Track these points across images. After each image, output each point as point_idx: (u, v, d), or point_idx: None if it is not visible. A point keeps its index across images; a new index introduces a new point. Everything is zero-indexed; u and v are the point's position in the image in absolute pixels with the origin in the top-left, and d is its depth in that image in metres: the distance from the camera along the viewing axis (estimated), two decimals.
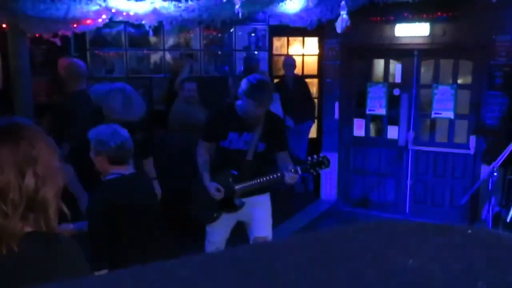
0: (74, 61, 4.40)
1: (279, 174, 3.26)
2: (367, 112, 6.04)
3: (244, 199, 3.41)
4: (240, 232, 3.64)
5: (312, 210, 6.02)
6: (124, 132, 2.62)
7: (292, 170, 3.20)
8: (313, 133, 6.81)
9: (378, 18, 5.66)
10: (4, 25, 4.40)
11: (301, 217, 5.74)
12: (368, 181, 6.19)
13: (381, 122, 6.12)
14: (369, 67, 6.18)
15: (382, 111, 5.95)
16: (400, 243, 0.42)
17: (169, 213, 4.75)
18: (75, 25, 4.41)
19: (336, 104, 6.14)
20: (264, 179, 3.29)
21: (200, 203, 3.46)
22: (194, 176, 3.55)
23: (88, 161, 3.25)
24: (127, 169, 2.64)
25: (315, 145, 6.55)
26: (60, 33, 4.52)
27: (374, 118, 6.17)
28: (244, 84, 3.27)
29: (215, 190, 3.33)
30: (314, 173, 3.35)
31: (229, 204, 3.39)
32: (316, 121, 6.82)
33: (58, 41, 4.65)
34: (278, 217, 5.56)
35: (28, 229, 1.26)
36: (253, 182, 3.31)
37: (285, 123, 6.16)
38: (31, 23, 4.09)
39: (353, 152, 6.25)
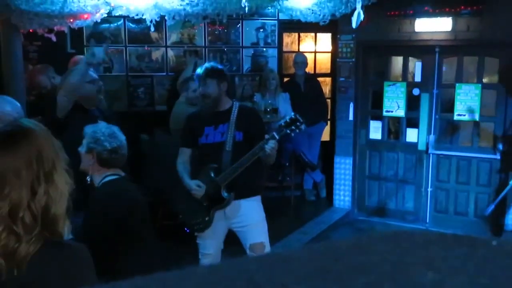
0: (76, 58, 4.61)
1: (257, 147, 3.32)
2: (384, 113, 6.02)
3: (233, 202, 3.45)
4: (234, 242, 3.65)
5: (324, 219, 6.01)
6: (122, 137, 2.69)
7: (269, 137, 3.29)
8: (325, 135, 6.79)
9: (397, 13, 5.65)
10: None
11: (313, 226, 5.73)
12: (385, 188, 6.17)
13: (399, 124, 6.10)
14: (387, 65, 6.16)
15: (401, 113, 5.93)
16: (419, 255, 0.42)
17: (166, 221, 4.79)
18: (71, 20, 4.45)
19: (351, 105, 6.13)
20: (243, 158, 3.36)
21: (188, 211, 3.51)
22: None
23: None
24: (120, 172, 2.71)
25: (327, 149, 6.54)
26: (55, 28, 4.56)
27: (392, 119, 6.15)
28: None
29: (195, 186, 3.41)
30: (292, 134, 3.42)
31: (217, 199, 3.44)
32: (328, 123, 6.81)
33: (53, 37, 4.68)
34: (289, 226, 5.60)
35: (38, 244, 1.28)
36: (233, 166, 3.39)
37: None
38: (25, 18, 4.12)
39: (368, 156, 6.23)
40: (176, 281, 0.37)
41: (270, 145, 3.25)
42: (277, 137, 3.28)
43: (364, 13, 4.30)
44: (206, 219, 3.46)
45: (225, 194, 3.42)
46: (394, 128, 6.26)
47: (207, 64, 3.64)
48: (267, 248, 3.55)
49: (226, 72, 3.74)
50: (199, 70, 3.57)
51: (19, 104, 3.12)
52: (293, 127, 3.37)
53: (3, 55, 4.31)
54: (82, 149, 2.66)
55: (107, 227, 2.52)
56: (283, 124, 3.39)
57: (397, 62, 6.16)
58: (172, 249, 4.20)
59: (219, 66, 3.72)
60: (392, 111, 5.97)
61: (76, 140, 3.17)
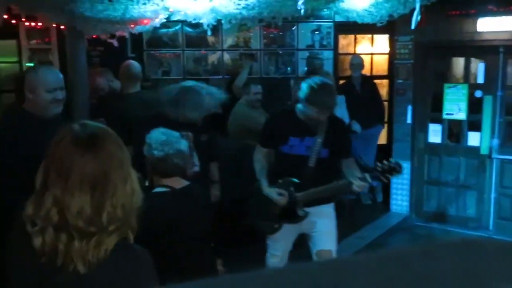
0: (128, 62, 4.72)
1: (346, 182, 3.22)
2: (444, 116, 5.84)
3: (307, 209, 3.37)
4: (301, 244, 3.63)
5: (381, 223, 5.90)
6: (179, 145, 2.55)
7: (360, 177, 3.15)
8: (382, 139, 6.67)
9: (458, 12, 5.48)
10: (62, 27, 4.66)
11: (369, 231, 5.63)
12: (445, 193, 5.97)
13: (460, 128, 5.89)
14: (447, 67, 5.98)
15: (462, 115, 5.74)
16: (494, 265, 0.41)
17: (227, 222, 4.84)
18: (132, 26, 4.60)
19: (409, 108, 5.99)
20: (329, 186, 3.26)
21: (259, 213, 3.47)
22: (252, 185, 3.58)
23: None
24: (177, 183, 2.57)
25: (384, 152, 6.40)
26: (117, 34, 4.72)
27: (452, 123, 5.96)
28: (304, 88, 3.27)
29: (277, 196, 3.31)
30: (385, 181, 3.26)
31: (291, 214, 3.36)
32: (386, 126, 6.69)
33: (115, 42, 4.85)
34: (344, 230, 5.49)
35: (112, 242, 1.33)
36: (317, 189, 3.27)
37: (350, 128, 6.09)
38: (89, 24, 4.29)
39: (427, 160, 6.06)
40: (244, 283, 0.37)
41: (360, 186, 3.14)
42: (369, 181, 3.15)
43: (423, 14, 4.19)
44: (275, 226, 3.43)
45: (301, 212, 3.35)
46: (455, 131, 6.06)
47: (329, 82, 3.46)
48: (334, 256, 3.49)
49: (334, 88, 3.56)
50: (319, 90, 3.22)
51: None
52: (387, 175, 3.19)
53: (69, 59, 4.52)
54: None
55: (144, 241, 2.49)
56: (379, 169, 3.19)
57: (458, 63, 5.97)
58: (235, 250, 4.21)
59: (329, 83, 3.55)
60: (452, 114, 5.78)
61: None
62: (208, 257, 2.71)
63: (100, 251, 1.30)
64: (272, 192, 3.33)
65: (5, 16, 4.13)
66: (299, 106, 3.35)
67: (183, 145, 2.58)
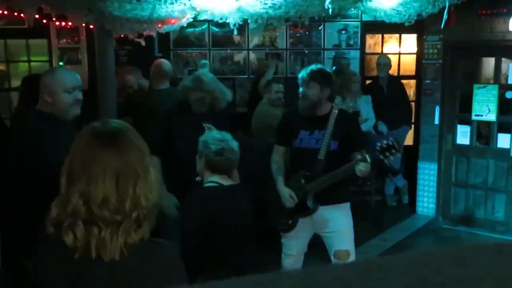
0: (160, 60, 4.93)
1: (349, 164, 3.23)
2: (473, 117, 5.73)
3: (321, 208, 3.39)
4: (317, 246, 3.62)
5: (406, 225, 5.82)
6: (233, 143, 2.76)
7: (361, 158, 3.18)
8: (409, 140, 6.59)
9: (488, 11, 5.37)
10: (91, 26, 4.74)
11: (394, 233, 5.56)
12: (473, 195, 5.86)
13: (490, 129, 5.77)
14: (477, 67, 5.87)
15: (492, 117, 5.62)
16: None
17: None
18: (159, 25, 4.64)
19: (437, 108, 5.90)
20: (334, 172, 3.27)
21: (275, 210, 3.51)
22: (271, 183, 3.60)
23: (171, 162, 3.41)
24: (226, 180, 2.76)
25: (411, 154, 6.33)
26: (144, 33, 4.78)
27: (482, 124, 5.84)
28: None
29: (288, 196, 3.38)
30: (385, 160, 3.26)
31: (302, 206, 3.40)
32: (412, 127, 6.60)
33: (142, 41, 4.91)
34: (369, 232, 5.48)
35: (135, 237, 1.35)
36: (324, 178, 3.31)
37: (376, 128, 6.03)
38: (117, 23, 4.35)
39: (455, 162, 5.95)
40: (272, 284, 0.37)
41: (360, 168, 3.14)
42: (369, 160, 3.16)
43: (453, 13, 4.12)
44: (290, 222, 3.46)
45: (310, 203, 3.37)
46: (484, 133, 5.94)
47: (314, 66, 3.52)
48: (352, 257, 3.46)
49: (334, 78, 3.63)
50: (304, 72, 3.46)
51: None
52: (387, 154, 3.21)
53: (97, 58, 4.59)
54: (197, 156, 2.80)
55: (185, 235, 2.60)
56: (378, 148, 3.23)
57: (488, 63, 5.84)
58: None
59: (327, 70, 3.63)
60: (482, 115, 5.66)
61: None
62: (248, 255, 2.77)
63: (130, 240, 1.32)
64: (284, 190, 3.39)
65: (36, 16, 4.22)
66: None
67: (235, 144, 2.78)
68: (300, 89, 3.43)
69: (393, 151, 3.21)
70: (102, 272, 1.32)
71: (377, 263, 0.43)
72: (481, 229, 5.69)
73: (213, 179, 2.73)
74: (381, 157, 3.22)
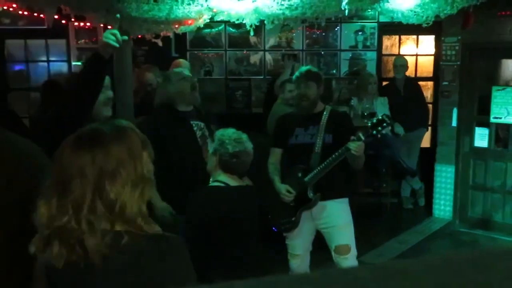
0: (180, 60, 5.03)
1: (342, 148, 3.29)
2: (492, 120, 5.65)
3: (320, 203, 3.46)
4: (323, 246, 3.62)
5: (423, 228, 5.77)
6: (249, 145, 2.76)
7: (354, 138, 3.22)
8: (425, 142, 6.54)
9: (508, 12, 5.30)
10: (109, 26, 4.78)
11: (410, 235, 5.52)
12: (491, 199, 5.78)
13: (509, 132, 5.69)
14: (496, 69, 5.80)
15: (510, 119, 5.54)
16: None
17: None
18: (176, 26, 4.67)
19: (454, 110, 5.84)
20: (331, 159, 3.35)
21: (276, 211, 3.55)
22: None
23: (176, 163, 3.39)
24: (235, 181, 2.75)
25: (427, 156, 6.27)
26: (162, 34, 4.80)
27: (500, 127, 5.77)
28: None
29: (284, 191, 3.44)
30: (378, 135, 3.34)
31: (304, 199, 3.46)
32: (429, 129, 6.54)
33: (159, 42, 4.94)
34: (385, 234, 5.44)
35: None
36: (320, 167, 3.40)
37: (393, 130, 5.98)
38: (135, 24, 4.38)
39: (473, 165, 5.88)
40: (289, 285, 0.37)
41: (354, 145, 3.19)
42: (362, 138, 3.22)
43: (471, 14, 4.08)
44: (293, 219, 3.50)
45: (311, 195, 3.45)
46: (503, 136, 5.86)
47: (306, 67, 3.71)
48: (353, 251, 3.50)
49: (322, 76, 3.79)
50: (298, 72, 3.63)
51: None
52: (379, 128, 3.30)
53: (115, 58, 4.62)
54: (210, 150, 2.78)
55: (187, 233, 2.60)
56: (369, 124, 3.34)
57: (508, 65, 5.77)
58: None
59: (317, 70, 3.80)
60: (501, 118, 5.59)
61: (163, 136, 3.29)
62: (254, 257, 2.76)
63: (118, 240, 1.31)
64: (281, 187, 3.47)
65: (56, 17, 4.27)
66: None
67: (251, 146, 2.79)
68: (296, 91, 3.63)
69: (384, 125, 3.32)
70: (106, 273, 1.32)
71: (396, 266, 0.42)
72: (499, 233, 5.62)
73: (221, 178, 2.72)
74: (374, 132, 3.30)
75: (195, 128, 3.50)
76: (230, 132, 2.78)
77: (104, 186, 1.32)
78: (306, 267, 3.62)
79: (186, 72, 3.74)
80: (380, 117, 3.35)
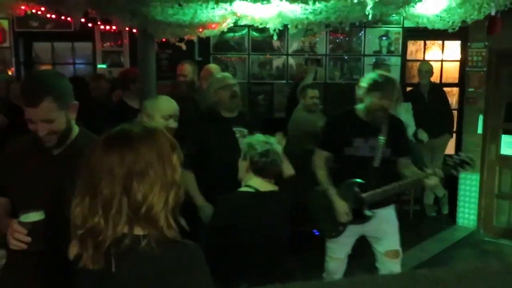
0: (211, 66, 5.21)
1: (417, 179, 3.19)
2: None
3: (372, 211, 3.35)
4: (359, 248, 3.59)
5: (446, 237, 5.68)
6: (278, 147, 2.75)
7: (431, 172, 3.12)
8: (450, 149, 6.44)
9: None
10: (134, 30, 4.84)
11: (433, 244, 5.43)
12: None
13: None
14: None
15: None
16: None
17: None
18: (200, 30, 4.70)
19: (480, 117, 5.74)
20: (397, 184, 3.22)
21: (323, 217, 3.43)
22: (312, 187, 3.56)
23: (209, 166, 3.41)
24: (266, 185, 2.71)
25: None
26: (185, 37, 4.84)
27: None
28: (363, 83, 3.30)
29: (343, 212, 3.30)
30: (456, 173, 3.24)
31: (358, 215, 3.33)
32: (454, 135, 6.45)
33: (183, 45, 4.97)
34: (407, 242, 5.30)
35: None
36: (385, 188, 3.24)
37: (416, 136, 5.91)
38: (159, 28, 4.43)
39: (498, 173, 5.77)
40: None
41: (432, 182, 3.12)
42: (441, 175, 3.13)
43: (499, 19, 4.00)
44: (340, 229, 3.40)
45: (368, 213, 3.32)
46: None
47: (381, 71, 3.44)
48: (401, 256, 3.45)
49: None
50: (384, 78, 3.26)
51: None
52: (459, 168, 3.18)
53: (139, 62, 4.68)
54: (241, 158, 2.78)
55: (208, 239, 2.60)
56: (451, 164, 3.19)
57: None
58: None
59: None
60: None
61: (206, 142, 3.36)
62: (285, 264, 2.74)
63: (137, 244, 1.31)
64: (340, 205, 3.31)
65: (82, 20, 4.34)
66: (360, 106, 3.35)
67: (279, 148, 2.78)
68: (376, 99, 3.21)
69: (467, 167, 3.19)
70: (123, 279, 1.33)
71: (427, 275, 0.42)
72: None
73: (251, 183, 2.69)
74: (452, 171, 3.20)
75: (237, 135, 3.46)
76: (258, 136, 2.79)
77: (132, 186, 1.32)
78: (343, 270, 3.53)
79: (230, 79, 3.67)
80: (466, 159, 3.19)
